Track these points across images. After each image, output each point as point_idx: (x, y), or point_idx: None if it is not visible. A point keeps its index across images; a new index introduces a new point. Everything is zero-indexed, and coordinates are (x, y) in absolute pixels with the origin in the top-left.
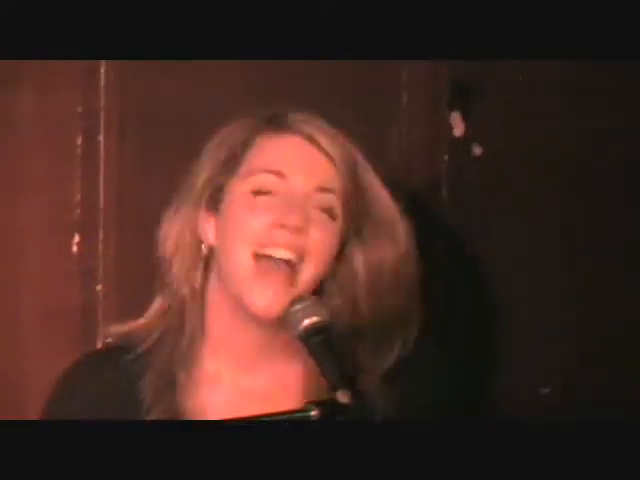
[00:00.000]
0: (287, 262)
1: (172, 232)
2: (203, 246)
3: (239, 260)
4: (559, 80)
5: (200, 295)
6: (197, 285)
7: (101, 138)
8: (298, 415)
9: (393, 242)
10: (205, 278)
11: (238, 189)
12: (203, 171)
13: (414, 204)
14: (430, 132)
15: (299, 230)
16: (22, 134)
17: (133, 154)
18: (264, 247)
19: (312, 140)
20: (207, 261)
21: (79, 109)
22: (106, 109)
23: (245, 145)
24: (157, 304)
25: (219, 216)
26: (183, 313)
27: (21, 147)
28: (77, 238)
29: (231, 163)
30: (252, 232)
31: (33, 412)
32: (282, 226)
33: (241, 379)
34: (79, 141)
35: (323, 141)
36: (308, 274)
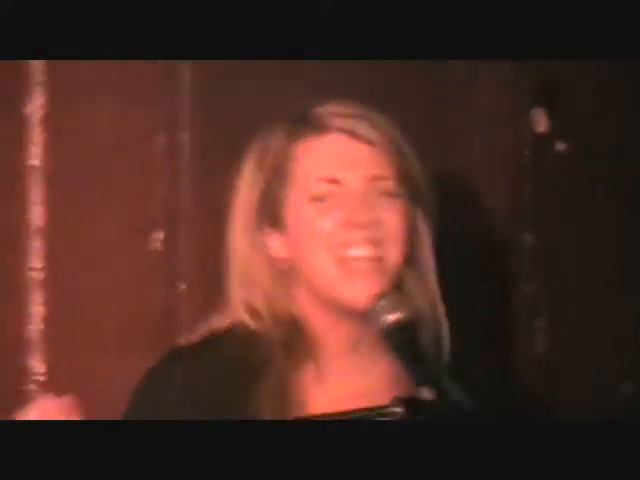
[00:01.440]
0: (370, 258)
1: (244, 253)
2: (279, 264)
3: (324, 268)
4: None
5: (293, 309)
6: (289, 301)
7: (184, 136)
8: (383, 411)
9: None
10: (292, 293)
11: (297, 200)
12: (255, 186)
13: (496, 200)
14: (513, 129)
15: (370, 224)
16: (105, 134)
17: (214, 152)
18: (344, 249)
19: (352, 133)
20: (288, 276)
21: (157, 110)
22: (184, 109)
23: (288, 154)
24: (224, 319)
25: (285, 230)
26: (280, 327)
27: (103, 147)
28: (159, 235)
29: (281, 174)
30: (326, 237)
31: (117, 413)
32: (354, 225)
33: (342, 377)
34: (161, 139)
35: (362, 131)
36: (392, 260)
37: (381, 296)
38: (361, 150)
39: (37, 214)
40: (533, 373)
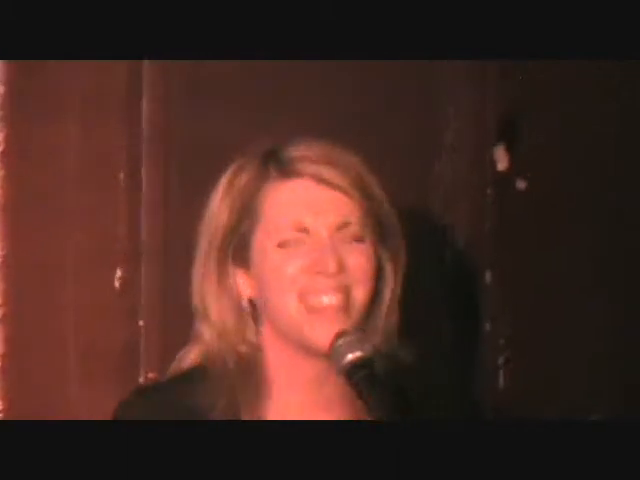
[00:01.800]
0: (337, 306)
1: (209, 290)
2: (243, 302)
3: (288, 311)
4: (602, 111)
5: (256, 347)
6: (252, 339)
7: (144, 171)
8: None
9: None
10: (254, 328)
11: (265, 244)
12: (222, 225)
13: (458, 236)
14: (474, 166)
15: (338, 272)
16: (65, 166)
17: (176, 187)
18: (309, 295)
19: (319, 179)
20: (252, 314)
21: (122, 142)
22: (148, 141)
23: (257, 195)
24: (196, 349)
25: (251, 270)
26: (241, 364)
27: (64, 179)
28: (119, 273)
29: (249, 215)
30: (292, 282)
31: None
32: (321, 272)
33: (304, 410)
34: (122, 174)
35: (329, 176)
36: (359, 304)
37: (341, 335)
38: (328, 196)
39: None
40: (496, 409)
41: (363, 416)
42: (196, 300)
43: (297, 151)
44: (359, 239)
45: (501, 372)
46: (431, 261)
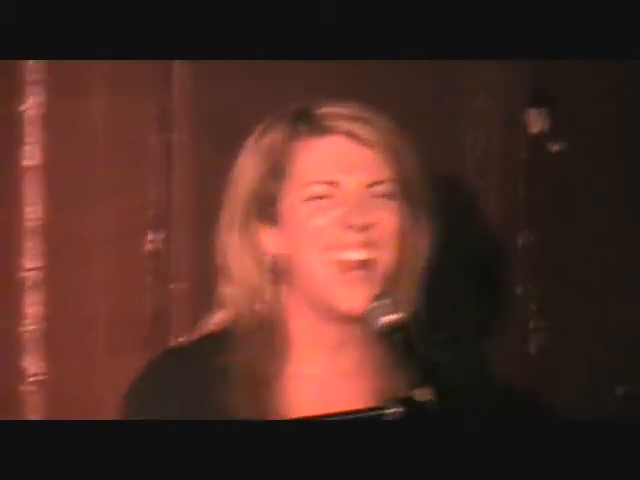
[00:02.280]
0: (363, 261)
1: (233, 248)
2: (267, 258)
3: (316, 268)
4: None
5: (276, 306)
6: (272, 297)
7: (175, 137)
8: (375, 413)
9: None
10: (277, 288)
11: (294, 199)
12: (249, 182)
13: (491, 201)
14: (507, 130)
15: (367, 227)
16: (96, 135)
17: (207, 152)
18: (338, 250)
19: (352, 135)
20: (275, 271)
21: (153, 109)
22: (179, 108)
23: (286, 153)
24: (220, 314)
25: (279, 227)
26: (260, 323)
27: (95, 148)
28: (150, 237)
29: (277, 173)
30: (321, 236)
31: (109, 414)
32: (350, 227)
33: (325, 375)
34: (153, 141)
35: (362, 133)
36: (385, 264)
37: (375, 298)
38: (360, 153)
39: (32, 215)
40: (527, 375)
41: (380, 385)
42: (220, 258)
43: (329, 109)
44: (390, 197)
45: (532, 337)
46: (463, 226)
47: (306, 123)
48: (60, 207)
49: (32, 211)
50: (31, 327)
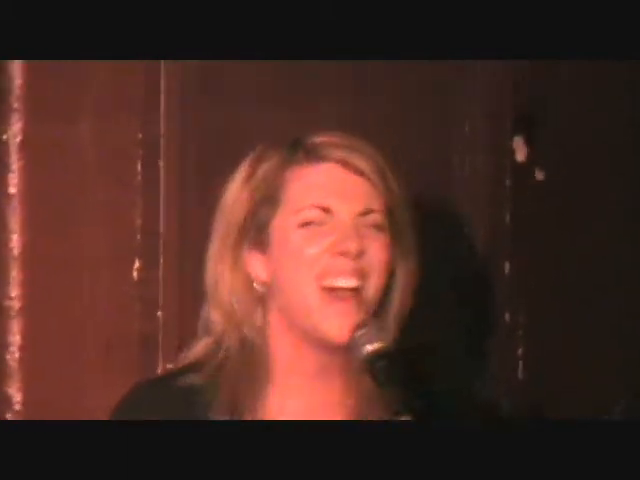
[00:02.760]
0: (353, 289)
1: (223, 274)
2: (255, 285)
3: (305, 294)
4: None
5: (262, 333)
6: (259, 324)
7: (161, 164)
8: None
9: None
10: (264, 316)
11: (286, 225)
12: (240, 210)
13: (477, 227)
14: (493, 157)
15: (360, 254)
16: (82, 161)
17: (193, 179)
18: (328, 277)
19: (345, 164)
20: (262, 299)
21: (139, 135)
22: (166, 135)
23: (279, 181)
24: (204, 342)
25: (269, 254)
26: (245, 350)
27: (81, 174)
28: (137, 264)
29: (270, 200)
30: (312, 263)
31: None
32: (342, 253)
33: (307, 404)
34: (139, 167)
35: (356, 162)
36: (372, 293)
37: (360, 326)
38: (353, 182)
39: (15, 242)
40: (514, 400)
41: (366, 410)
42: (209, 284)
43: (322, 138)
44: (380, 228)
45: (520, 363)
46: (450, 252)
47: (299, 151)
48: (46, 234)
49: (17, 239)
50: (16, 354)
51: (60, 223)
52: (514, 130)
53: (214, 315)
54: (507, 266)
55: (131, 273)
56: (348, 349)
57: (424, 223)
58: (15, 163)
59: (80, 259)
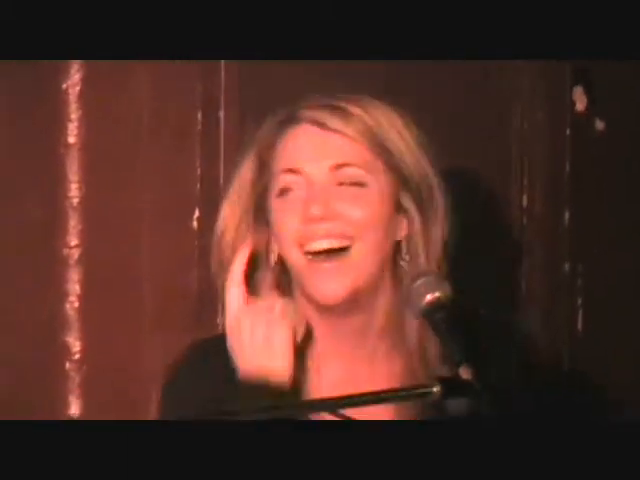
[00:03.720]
0: (337, 249)
1: (242, 245)
2: (272, 257)
3: (294, 261)
4: None
5: (289, 298)
6: (283, 291)
7: (221, 114)
8: (420, 392)
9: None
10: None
11: (271, 195)
12: (245, 185)
13: (537, 178)
14: (552, 108)
15: (328, 218)
16: (142, 110)
17: (253, 129)
18: (308, 243)
19: (317, 123)
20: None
21: (199, 85)
22: (226, 85)
23: (270, 149)
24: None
25: (270, 226)
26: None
27: (141, 123)
28: (197, 214)
29: (264, 170)
30: (291, 231)
31: (154, 392)
32: (310, 219)
33: (340, 366)
34: (199, 117)
35: (330, 120)
36: (362, 251)
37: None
38: (327, 139)
39: (77, 192)
40: (573, 353)
41: (408, 371)
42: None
43: (308, 101)
44: (359, 183)
45: (580, 313)
46: (510, 204)
47: (284, 119)
48: (105, 183)
49: (77, 188)
50: (76, 304)
51: (119, 173)
52: (574, 80)
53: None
54: (567, 215)
55: (191, 222)
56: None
57: (483, 174)
58: (74, 113)
59: (139, 209)
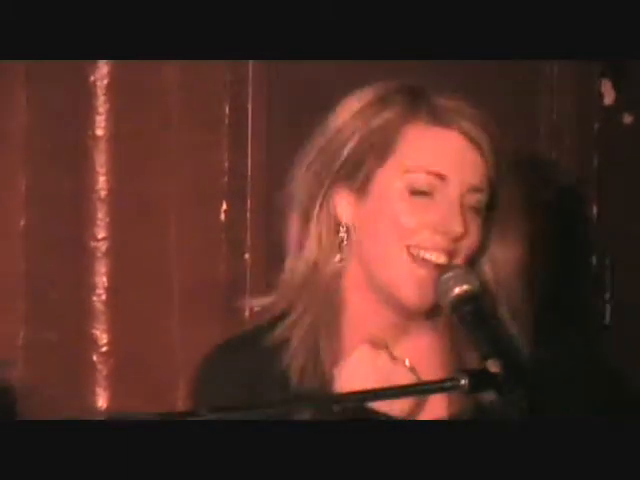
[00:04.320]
0: (440, 265)
1: (310, 203)
2: (342, 226)
3: (393, 256)
4: None
5: (340, 274)
6: (339, 265)
7: (249, 106)
8: (448, 384)
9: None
10: (342, 263)
11: (393, 183)
12: (348, 147)
13: (565, 171)
14: (581, 101)
15: (461, 237)
16: (169, 103)
17: (280, 122)
18: (421, 249)
19: (468, 136)
20: (340, 239)
21: (227, 77)
22: (254, 77)
23: (397, 133)
24: (289, 277)
25: (363, 200)
26: (324, 290)
27: (169, 116)
28: (225, 206)
29: (383, 149)
30: (410, 232)
31: (182, 384)
32: (445, 232)
33: (377, 355)
34: (227, 109)
35: (478, 135)
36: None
37: (449, 268)
38: (472, 156)
39: (102, 184)
40: (602, 345)
41: (451, 359)
42: (297, 222)
43: (447, 101)
44: (478, 210)
45: (607, 307)
46: (538, 196)
47: (422, 108)
48: (132, 176)
49: (104, 180)
50: (104, 296)
51: (147, 165)
52: (602, 73)
53: (293, 261)
54: (595, 209)
55: (219, 215)
56: (436, 292)
57: (511, 167)
58: (102, 105)
59: (167, 201)
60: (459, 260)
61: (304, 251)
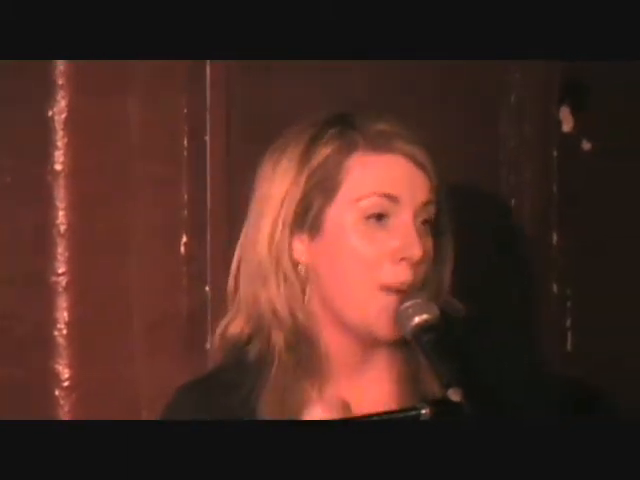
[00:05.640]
0: (408, 285)
1: (265, 253)
2: (300, 267)
3: (359, 291)
4: None
5: (299, 314)
6: (306, 305)
7: (207, 138)
8: (409, 414)
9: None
10: (301, 297)
11: (345, 216)
12: (297, 192)
13: (524, 198)
14: (539, 128)
15: (421, 261)
16: (129, 137)
17: (240, 154)
18: (387, 280)
19: (412, 158)
20: (301, 281)
21: (185, 110)
22: (212, 109)
23: (338, 166)
24: (239, 319)
25: (317, 240)
26: (297, 332)
27: (128, 150)
28: (185, 239)
29: (328, 186)
30: (371, 265)
31: (145, 417)
32: (405, 259)
33: (344, 388)
34: (185, 142)
35: (420, 156)
36: (418, 282)
37: (407, 298)
38: (417, 175)
39: (62, 218)
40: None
41: (412, 389)
42: (247, 261)
43: (381, 125)
44: (429, 222)
45: (569, 334)
46: (497, 224)
47: (358, 137)
48: (92, 210)
49: (64, 215)
50: (65, 331)
51: (106, 199)
52: (561, 100)
53: (262, 297)
54: (554, 237)
55: (178, 248)
56: (396, 321)
57: (470, 194)
58: (61, 140)
59: (127, 235)
60: (419, 282)
61: (265, 285)
